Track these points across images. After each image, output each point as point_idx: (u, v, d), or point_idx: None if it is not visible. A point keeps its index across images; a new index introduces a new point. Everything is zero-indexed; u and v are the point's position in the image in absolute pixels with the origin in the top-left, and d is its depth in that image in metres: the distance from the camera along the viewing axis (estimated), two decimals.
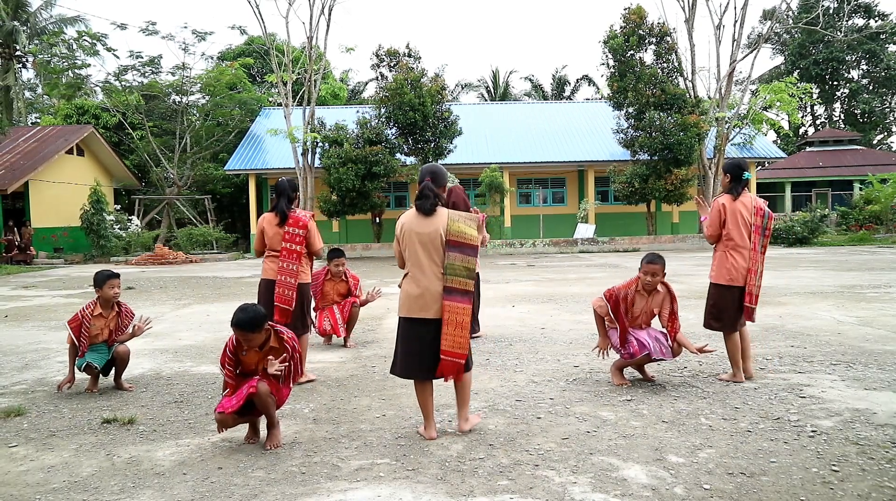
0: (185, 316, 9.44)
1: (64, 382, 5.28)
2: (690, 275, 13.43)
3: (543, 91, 45.88)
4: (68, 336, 5.21)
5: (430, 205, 4.00)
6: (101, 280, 5.28)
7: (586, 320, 8.09)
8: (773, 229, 5.58)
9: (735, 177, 5.27)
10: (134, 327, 5.40)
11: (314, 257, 5.65)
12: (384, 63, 23.96)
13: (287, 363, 3.98)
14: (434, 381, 4.10)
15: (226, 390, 4.01)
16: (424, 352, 3.98)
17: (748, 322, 5.29)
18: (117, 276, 5.39)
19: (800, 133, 43.68)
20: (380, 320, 8.67)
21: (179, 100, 30.42)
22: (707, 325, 5.37)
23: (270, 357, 3.96)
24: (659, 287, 5.08)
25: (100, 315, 5.28)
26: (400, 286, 4.12)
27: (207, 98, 30.56)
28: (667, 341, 5.03)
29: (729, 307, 5.19)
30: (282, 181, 5.51)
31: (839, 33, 36.00)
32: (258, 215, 26.31)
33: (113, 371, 5.39)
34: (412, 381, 4.19)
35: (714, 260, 5.32)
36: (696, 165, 23.61)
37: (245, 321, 3.85)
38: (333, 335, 7.02)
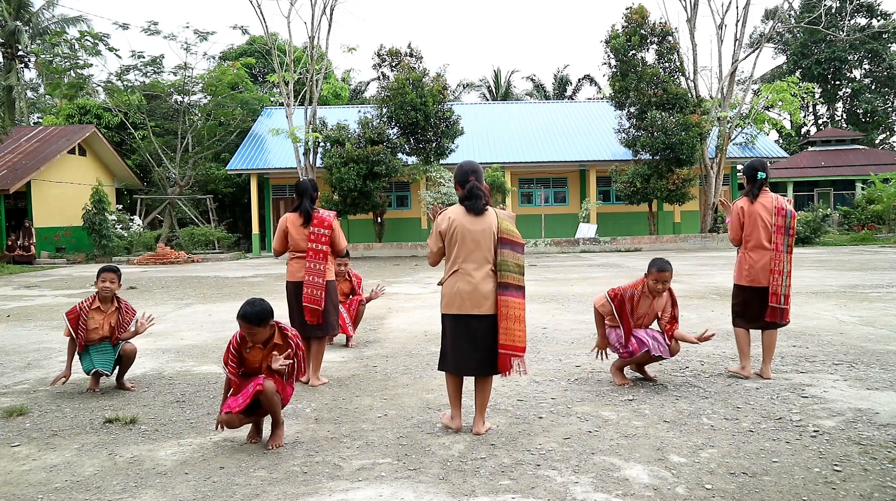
0: (186, 316, 9.45)
1: (59, 377, 5.19)
2: (692, 275, 13.42)
3: (545, 91, 45.85)
4: (66, 328, 5.18)
5: (482, 205, 4.04)
6: (97, 273, 5.34)
7: (588, 320, 8.08)
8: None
9: (749, 178, 5.30)
10: (137, 323, 5.40)
11: (337, 256, 5.68)
12: (386, 63, 23.96)
13: (291, 360, 3.99)
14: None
15: (229, 391, 4.01)
16: (477, 348, 4.01)
17: (783, 324, 5.31)
18: (112, 270, 5.34)
19: (802, 133, 43.64)
20: (381, 320, 8.67)
21: (181, 100, 30.44)
22: (734, 323, 5.47)
23: (275, 353, 3.97)
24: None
25: (98, 309, 5.27)
26: (441, 284, 4.13)
27: (209, 98, 30.57)
28: (664, 339, 5.06)
29: (752, 307, 5.28)
30: (303, 181, 5.51)
31: (841, 33, 35.95)
32: (260, 215, 26.39)
33: (116, 370, 5.37)
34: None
35: (736, 262, 5.42)
36: (697, 164, 23.59)
37: (252, 315, 3.86)
38: (335, 335, 7.01)
